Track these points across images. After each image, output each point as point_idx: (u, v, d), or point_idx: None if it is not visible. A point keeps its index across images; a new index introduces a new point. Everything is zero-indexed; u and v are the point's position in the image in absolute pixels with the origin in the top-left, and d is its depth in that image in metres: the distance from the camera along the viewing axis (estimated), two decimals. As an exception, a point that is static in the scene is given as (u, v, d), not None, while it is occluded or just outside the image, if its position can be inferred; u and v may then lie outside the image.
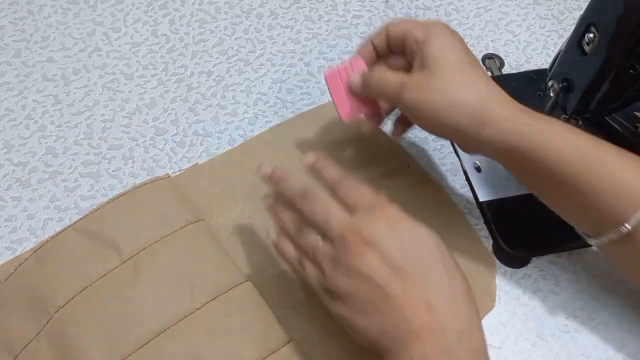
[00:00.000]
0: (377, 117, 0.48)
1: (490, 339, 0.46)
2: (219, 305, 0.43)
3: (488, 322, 0.46)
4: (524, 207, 0.52)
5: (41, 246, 0.45)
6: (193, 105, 0.57)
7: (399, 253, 0.36)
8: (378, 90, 0.45)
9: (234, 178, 0.52)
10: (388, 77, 0.43)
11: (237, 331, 0.42)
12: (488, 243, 0.51)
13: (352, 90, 0.47)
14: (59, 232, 0.45)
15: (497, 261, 0.50)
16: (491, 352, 0.45)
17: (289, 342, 0.43)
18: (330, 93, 0.47)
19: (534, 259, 0.50)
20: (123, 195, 0.47)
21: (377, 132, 0.52)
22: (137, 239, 0.45)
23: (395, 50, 0.46)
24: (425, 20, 0.45)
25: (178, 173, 0.52)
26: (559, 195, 0.41)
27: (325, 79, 0.47)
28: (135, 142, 0.54)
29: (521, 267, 0.50)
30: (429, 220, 0.50)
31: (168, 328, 0.41)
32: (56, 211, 0.50)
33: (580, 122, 0.49)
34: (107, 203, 0.46)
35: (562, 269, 0.50)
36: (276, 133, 0.55)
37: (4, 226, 0.49)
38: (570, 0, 0.67)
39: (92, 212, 0.46)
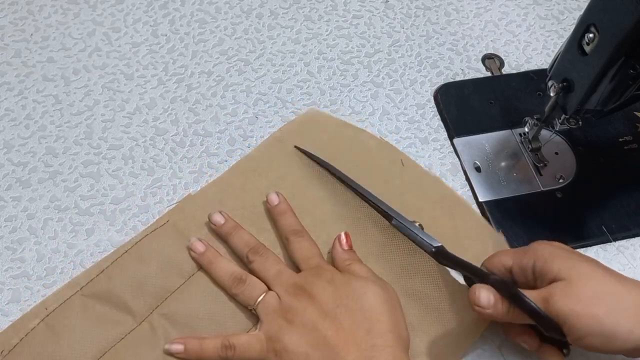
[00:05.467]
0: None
1: (490, 338, 0.46)
2: None
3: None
4: (524, 207, 0.52)
5: (49, 314, 0.44)
6: (193, 105, 0.57)
7: (332, 302, 0.41)
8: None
9: (229, 204, 0.50)
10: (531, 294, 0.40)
11: None
12: (488, 243, 0.51)
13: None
14: (66, 300, 0.44)
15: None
16: (492, 352, 0.45)
17: None
18: None
19: (534, 259, 0.50)
20: (126, 252, 0.46)
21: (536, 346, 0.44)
22: (148, 297, 0.45)
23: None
24: (519, 249, 0.43)
25: (173, 206, 0.50)
26: None
27: None
28: (135, 142, 0.54)
29: (521, 267, 0.50)
30: (432, 212, 0.50)
31: None
32: (56, 211, 0.50)
33: (580, 122, 0.49)
34: (112, 263, 0.46)
35: (562, 269, 0.50)
36: (263, 152, 0.53)
37: (4, 226, 0.49)
38: (570, 0, 0.67)
39: (98, 275, 0.45)
